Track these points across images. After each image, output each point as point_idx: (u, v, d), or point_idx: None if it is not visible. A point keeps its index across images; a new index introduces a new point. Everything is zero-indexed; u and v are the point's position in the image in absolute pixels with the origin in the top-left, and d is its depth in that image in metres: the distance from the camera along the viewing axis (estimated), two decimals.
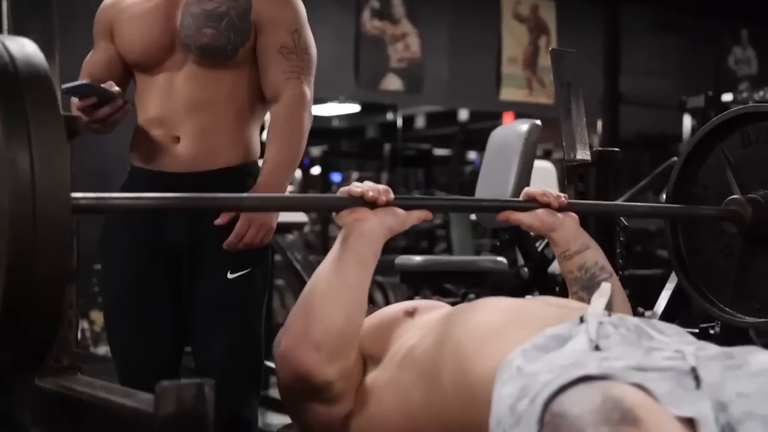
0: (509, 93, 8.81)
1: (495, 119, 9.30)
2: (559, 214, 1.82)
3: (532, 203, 1.82)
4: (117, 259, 2.30)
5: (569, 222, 1.83)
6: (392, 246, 8.86)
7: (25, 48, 1.27)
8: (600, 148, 2.16)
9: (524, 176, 3.50)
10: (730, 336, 3.14)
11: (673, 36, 9.39)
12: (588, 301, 1.72)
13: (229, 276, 2.22)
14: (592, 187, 2.13)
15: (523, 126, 3.60)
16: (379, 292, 5.75)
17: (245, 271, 2.23)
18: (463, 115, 10.17)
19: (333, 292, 1.58)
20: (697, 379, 1.26)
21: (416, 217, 1.70)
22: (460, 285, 3.94)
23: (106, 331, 2.39)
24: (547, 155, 8.35)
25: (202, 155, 2.20)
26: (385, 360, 1.61)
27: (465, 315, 1.57)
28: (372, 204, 1.63)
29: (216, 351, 2.25)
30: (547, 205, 1.81)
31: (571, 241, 1.83)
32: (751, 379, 1.29)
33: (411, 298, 4.54)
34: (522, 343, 1.39)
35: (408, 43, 8.25)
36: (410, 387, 1.52)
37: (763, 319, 1.96)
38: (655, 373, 1.26)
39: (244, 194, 1.68)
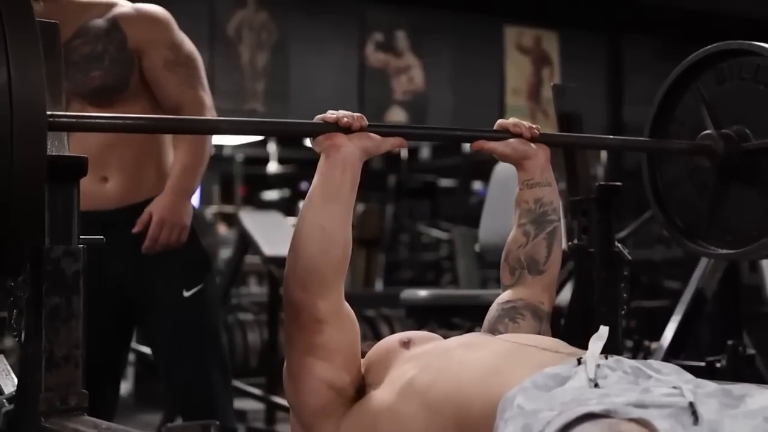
0: None
1: None
2: (532, 144, 1.86)
3: (505, 134, 1.86)
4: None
5: (541, 153, 1.87)
6: (399, 278, 8.87)
7: None
8: (602, 183, 2.16)
9: None
10: (737, 369, 3.14)
11: (673, 66, 9.39)
12: (533, 236, 1.86)
13: (185, 294, 2.32)
14: (595, 221, 2.13)
15: None
16: (386, 325, 5.75)
17: (199, 287, 2.34)
18: (468, 146, 10.19)
19: (308, 227, 1.63)
20: (695, 414, 1.27)
21: (391, 143, 1.74)
22: (466, 319, 3.93)
23: None
24: None
25: (131, 189, 2.31)
26: (381, 388, 1.61)
27: (465, 352, 1.58)
28: (347, 129, 1.67)
29: (191, 368, 2.34)
30: (519, 135, 1.85)
31: (538, 172, 1.87)
32: (748, 419, 1.29)
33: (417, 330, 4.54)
34: (521, 382, 1.39)
35: (412, 75, 8.28)
36: (410, 418, 1.52)
37: (735, 251, 2.00)
38: (655, 410, 1.26)
39: (221, 118, 1.75)
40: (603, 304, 2.07)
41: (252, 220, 4.64)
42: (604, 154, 9.31)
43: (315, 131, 1.70)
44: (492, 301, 3.76)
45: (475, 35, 8.61)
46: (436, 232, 8.94)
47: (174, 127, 1.90)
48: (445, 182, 11.57)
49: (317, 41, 7.78)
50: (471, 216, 8.79)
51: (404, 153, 10.19)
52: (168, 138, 2.37)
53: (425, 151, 11.34)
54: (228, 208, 10.58)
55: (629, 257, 2.13)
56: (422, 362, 1.59)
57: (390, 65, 8.16)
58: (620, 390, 1.34)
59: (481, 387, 1.46)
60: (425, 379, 1.55)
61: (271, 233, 2.48)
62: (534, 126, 1.88)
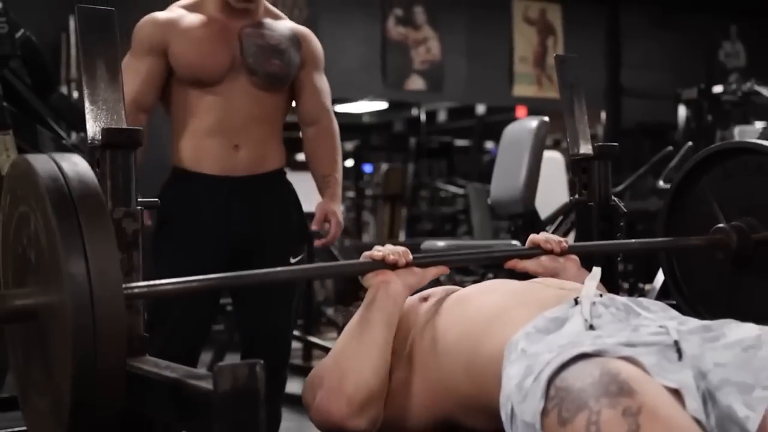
0: (521, 89, 8.78)
1: (509, 113, 9.27)
2: (560, 259, 1.79)
3: (536, 250, 1.79)
4: (187, 243, 2.37)
5: (570, 265, 1.79)
6: (420, 230, 8.89)
7: (77, 167, 1.25)
8: (600, 143, 2.16)
9: (534, 167, 3.52)
10: None
11: (668, 33, 9.31)
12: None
13: (291, 261, 2.43)
14: (594, 178, 2.13)
15: (533, 123, 3.61)
16: None
17: (300, 257, 2.47)
18: (480, 109, 10.14)
19: (362, 349, 1.56)
20: (679, 351, 1.28)
21: (433, 273, 1.69)
22: (479, 266, 3.94)
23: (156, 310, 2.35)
24: (556, 144, 8.32)
25: (258, 161, 2.39)
26: (407, 344, 1.62)
27: (474, 298, 1.59)
28: (393, 266, 1.63)
29: (280, 319, 2.45)
30: (549, 252, 1.78)
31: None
32: (727, 350, 1.31)
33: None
34: (525, 324, 1.40)
35: (429, 46, 8.24)
36: (430, 365, 1.54)
37: None
38: (642, 347, 1.27)
39: (280, 268, 1.70)
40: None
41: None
42: (603, 115, 9.25)
43: (366, 270, 1.65)
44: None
45: (485, 8, 8.53)
46: (452, 188, 8.93)
47: (232, 284, 1.85)
48: (461, 142, 11.51)
49: (344, 17, 7.75)
50: (484, 173, 8.78)
51: (423, 116, 10.14)
52: (283, 122, 2.51)
53: (442, 114, 11.28)
54: None
55: (624, 210, 2.12)
56: (438, 314, 1.61)
57: (409, 38, 8.12)
58: (612, 330, 1.35)
59: (488, 329, 1.47)
60: (438, 328, 1.57)
61: (305, 192, 2.52)
62: (563, 240, 1.81)
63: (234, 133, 2.34)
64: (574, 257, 1.81)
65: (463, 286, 1.74)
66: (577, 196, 2.14)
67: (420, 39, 8.19)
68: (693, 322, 1.39)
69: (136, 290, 1.44)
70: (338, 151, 2.54)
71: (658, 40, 9.29)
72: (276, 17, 2.49)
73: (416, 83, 8.14)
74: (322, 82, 2.52)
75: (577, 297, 1.46)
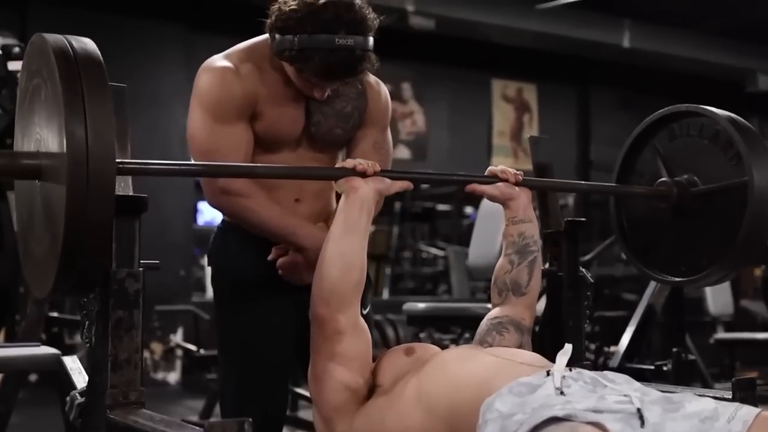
0: (499, 160, 8.85)
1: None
2: (516, 187, 1.88)
3: (494, 178, 1.89)
4: (260, 294, 2.05)
5: (523, 195, 1.89)
6: (402, 288, 8.87)
7: (85, 45, 1.36)
8: (569, 219, 2.16)
9: None
10: (680, 372, 3.14)
11: (633, 112, 9.39)
12: (517, 264, 1.88)
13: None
14: (563, 251, 2.14)
15: None
16: (391, 328, 5.75)
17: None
18: None
19: (330, 255, 1.66)
20: (642, 419, 1.29)
21: (399, 185, 1.79)
22: (457, 326, 3.94)
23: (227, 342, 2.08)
24: None
25: (318, 212, 2.10)
26: (389, 389, 1.63)
27: (458, 363, 1.60)
28: (363, 174, 1.71)
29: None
30: (505, 180, 1.87)
31: (521, 210, 1.88)
32: (685, 420, 1.32)
33: (417, 335, 4.54)
34: (500, 389, 1.41)
35: (415, 119, 8.33)
36: (409, 415, 1.54)
37: (687, 278, 2.04)
38: (608, 414, 1.28)
39: (258, 164, 1.78)
40: (570, 319, 2.08)
41: None
42: None
43: (336, 175, 1.75)
44: (478, 313, 3.77)
45: (467, 86, 8.65)
46: (433, 250, 8.95)
47: (215, 172, 1.86)
48: (442, 207, 11.55)
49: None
50: (463, 236, 8.81)
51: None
52: None
53: None
54: None
55: (591, 280, 2.13)
56: (423, 371, 1.61)
57: (397, 111, 8.20)
58: (580, 397, 1.36)
59: (470, 393, 1.47)
60: (424, 385, 1.57)
61: None
62: (518, 172, 1.90)
63: (295, 188, 2.07)
64: (527, 190, 1.90)
65: (442, 345, 1.75)
66: (547, 265, 2.16)
67: (407, 112, 8.28)
68: (655, 393, 1.41)
69: (129, 166, 1.55)
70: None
71: (625, 119, 9.38)
72: None
73: (402, 152, 8.20)
74: (384, 142, 2.16)
75: (549, 370, 1.47)
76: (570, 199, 9.19)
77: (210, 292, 8.19)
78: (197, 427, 1.26)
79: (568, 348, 1.59)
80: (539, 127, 8.91)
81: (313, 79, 1.90)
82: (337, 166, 1.75)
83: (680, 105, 2.11)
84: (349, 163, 1.73)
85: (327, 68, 1.85)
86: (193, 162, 1.69)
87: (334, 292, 1.64)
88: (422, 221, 10.79)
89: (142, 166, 1.58)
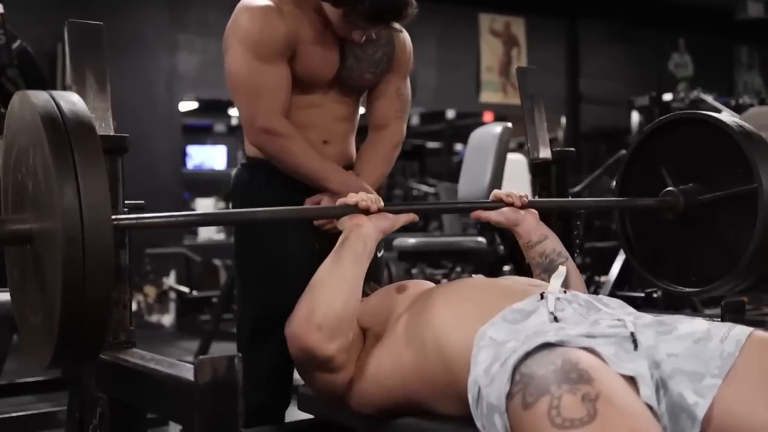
0: (487, 96, 8.80)
1: (477, 117, 9.33)
2: (521, 211, 1.80)
3: (499, 203, 1.81)
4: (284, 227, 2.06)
5: (530, 218, 1.82)
6: None
7: (73, 103, 1.25)
8: (558, 149, 2.15)
9: (498, 170, 3.52)
10: (669, 298, 3.16)
11: (623, 45, 9.36)
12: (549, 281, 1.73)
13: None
14: (553, 180, 2.13)
15: (497, 128, 3.61)
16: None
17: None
18: (450, 114, 10.16)
19: (332, 283, 1.57)
20: (635, 342, 1.29)
21: (404, 219, 1.71)
22: (448, 261, 3.94)
23: (247, 289, 2.09)
24: (520, 147, 8.33)
25: (343, 154, 2.12)
26: (382, 330, 1.62)
27: (447, 292, 1.58)
28: (366, 211, 1.64)
29: None
30: (511, 204, 1.80)
31: (532, 233, 1.82)
32: (679, 342, 1.33)
33: (408, 271, 4.55)
34: (494, 316, 1.40)
35: None
36: (402, 352, 1.53)
37: (698, 289, 1.97)
38: (601, 339, 1.28)
39: (260, 209, 1.67)
40: None
41: None
42: (563, 120, 9.28)
43: (341, 213, 1.66)
44: (468, 246, 3.76)
45: (454, 21, 8.54)
46: (424, 187, 8.93)
47: (213, 220, 1.80)
48: (432, 145, 11.53)
49: None
50: (453, 173, 8.79)
51: None
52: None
53: (415, 119, 11.29)
54: None
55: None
56: (413, 304, 1.59)
57: None
58: (573, 323, 1.35)
59: (457, 323, 1.46)
60: (413, 319, 1.55)
61: None
62: (523, 195, 1.82)
63: (324, 130, 2.09)
64: (534, 211, 1.84)
65: (434, 279, 1.73)
66: (537, 196, 2.14)
67: None
68: (648, 317, 1.40)
69: (124, 222, 1.42)
70: (388, 165, 2.19)
71: (614, 52, 9.34)
72: None
73: None
74: (405, 88, 2.20)
75: (543, 292, 1.46)
76: (560, 132, 9.17)
77: (202, 235, 8.21)
78: (188, 364, 1.26)
79: (562, 270, 1.57)
80: (528, 61, 8.83)
81: (360, 23, 1.91)
82: (338, 202, 1.67)
83: (683, 112, 2.02)
84: (352, 199, 1.65)
85: (376, 11, 1.86)
86: (189, 212, 1.60)
87: (331, 319, 1.54)
88: (412, 159, 10.78)
89: (140, 221, 1.44)
